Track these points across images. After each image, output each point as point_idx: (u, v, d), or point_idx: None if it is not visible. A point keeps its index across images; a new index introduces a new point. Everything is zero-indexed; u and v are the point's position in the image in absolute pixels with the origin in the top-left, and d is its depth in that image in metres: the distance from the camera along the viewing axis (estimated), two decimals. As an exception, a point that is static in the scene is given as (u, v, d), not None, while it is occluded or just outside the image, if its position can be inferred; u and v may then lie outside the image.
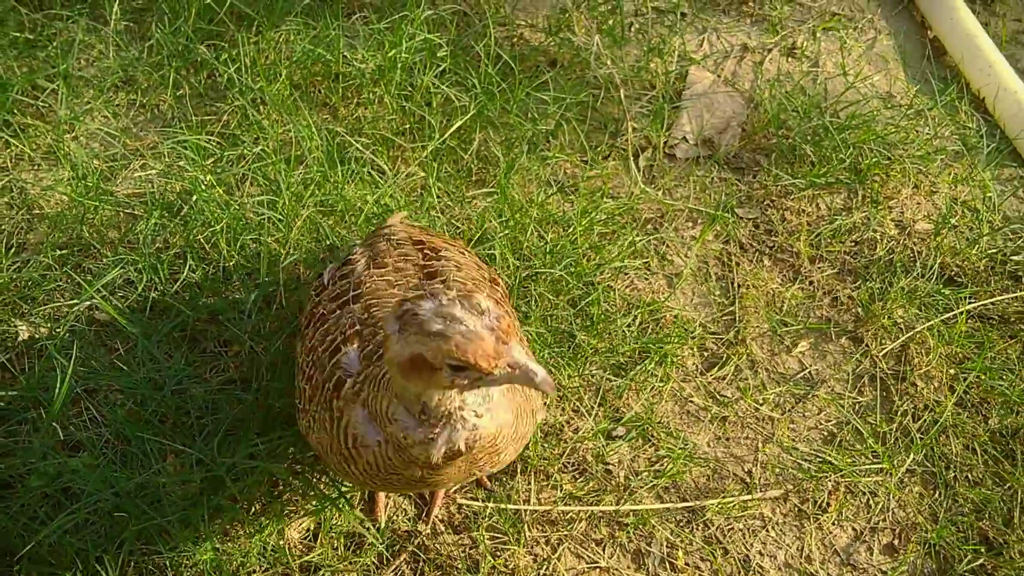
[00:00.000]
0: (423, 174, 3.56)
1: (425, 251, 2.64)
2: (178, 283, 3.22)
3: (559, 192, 3.61)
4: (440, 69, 3.75)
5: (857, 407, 3.23)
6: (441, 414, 2.02)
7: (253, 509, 2.83)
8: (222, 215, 3.29)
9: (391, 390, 2.06)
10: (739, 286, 3.47)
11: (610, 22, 4.09)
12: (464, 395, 2.00)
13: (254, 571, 2.79)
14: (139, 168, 3.59)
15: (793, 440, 3.16)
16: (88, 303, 3.18)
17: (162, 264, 3.25)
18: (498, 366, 1.84)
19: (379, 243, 2.72)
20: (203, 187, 3.33)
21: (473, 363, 1.82)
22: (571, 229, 3.46)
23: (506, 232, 3.37)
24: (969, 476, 3.10)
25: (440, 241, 2.73)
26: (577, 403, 3.18)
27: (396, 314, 1.90)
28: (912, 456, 3.11)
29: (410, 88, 3.74)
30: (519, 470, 3.01)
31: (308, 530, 2.86)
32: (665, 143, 3.82)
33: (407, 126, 3.68)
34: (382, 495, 2.88)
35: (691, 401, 3.23)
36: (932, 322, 3.33)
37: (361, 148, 3.53)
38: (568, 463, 3.07)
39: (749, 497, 3.03)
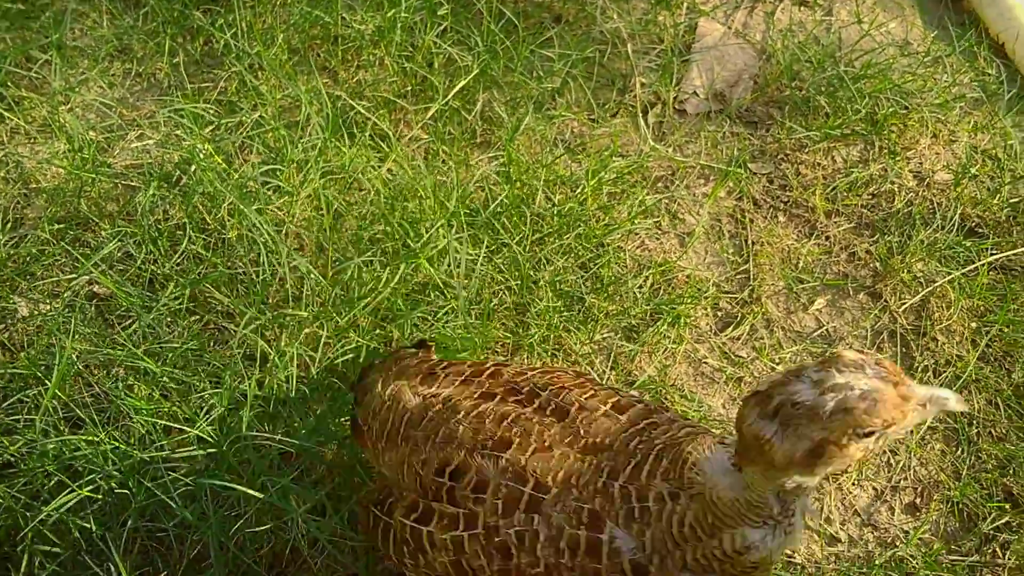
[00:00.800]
0: (426, 137, 3.47)
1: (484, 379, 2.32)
2: (178, 255, 3.15)
3: (567, 152, 3.52)
4: (441, 28, 3.64)
5: (877, 365, 3.14)
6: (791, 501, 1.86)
7: (259, 483, 2.77)
8: (223, 185, 3.21)
9: (730, 506, 1.86)
10: (753, 243, 3.38)
11: (615, -25, 3.98)
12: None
13: (261, 547, 2.74)
14: (136, 139, 3.52)
15: (811, 400, 3.07)
16: (87, 277, 3.12)
17: (162, 236, 3.18)
18: (908, 412, 1.68)
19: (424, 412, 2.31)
20: (201, 156, 3.26)
21: (889, 421, 1.65)
22: (580, 190, 3.36)
23: (513, 196, 3.28)
24: (992, 432, 3.02)
25: (465, 365, 2.43)
26: (589, 368, 3.11)
27: (766, 412, 1.71)
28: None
29: (411, 49, 3.64)
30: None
31: (319, 502, 2.81)
32: (675, 98, 3.71)
33: (409, 88, 3.58)
34: None
35: (705, 362, 3.16)
36: (953, 275, 3.23)
37: (364, 112, 3.44)
38: (580, 429, 2.99)
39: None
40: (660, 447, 1.97)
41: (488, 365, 2.35)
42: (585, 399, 2.14)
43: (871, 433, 1.65)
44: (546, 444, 2.06)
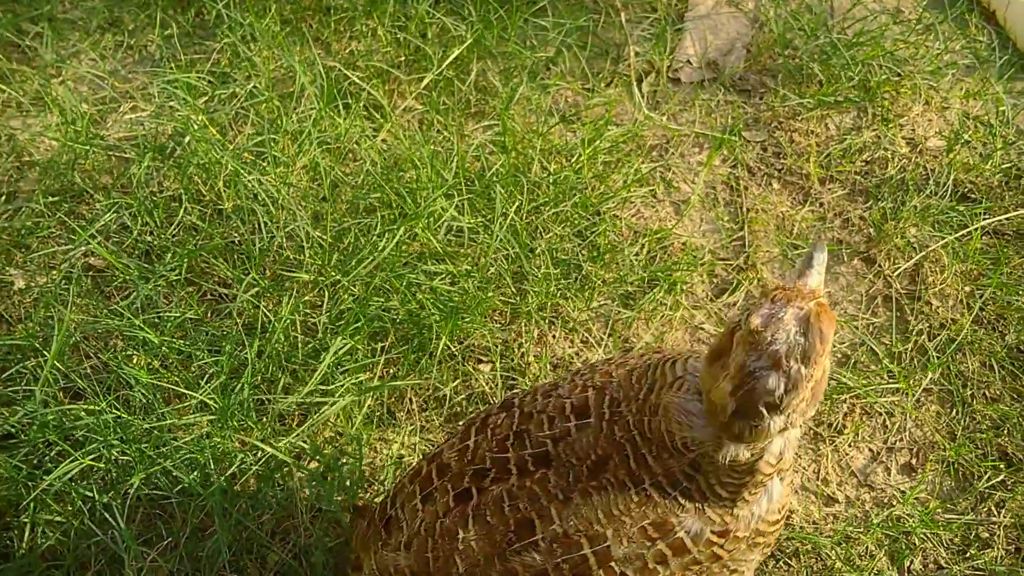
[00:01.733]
0: (421, 107, 3.47)
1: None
2: (173, 225, 3.15)
3: (561, 121, 3.52)
4: (435, -3, 3.64)
5: (871, 328, 3.17)
6: None
7: (260, 453, 2.77)
8: (217, 155, 3.20)
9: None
10: (748, 210, 3.39)
11: (607, -55, 3.97)
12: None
13: (263, 513, 2.75)
14: (129, 111, 3.51)
15: (807, 364, 3.10)
16: (83, 249, 3.11)
17: (157, 207, 3.17)
18: None
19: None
20: (195, 127, 3.25)
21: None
22: (575, 159, 3.37)
23: (509, 165, 3.28)
24: (987, 393, 3.05)
25: (406, 481, 2.22)
26: (586, 335, 3.12)
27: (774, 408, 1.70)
28: (928, 375, 3.05)
29: (404, 19, 3.63)
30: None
31: (316, 472, 2.82)
32: (668, 67, 3.71)
33: (402, 58, 3.58)
34: None
35: (702, 328, 3.17)
36: (946, 239, 3.26)
37: (358, 81, 3.43)
38: (579, 394, 3.01)
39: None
40: (635, 421, 1.90)
41: (424, 468, 2.15)
42: (547, 430, 1.99)
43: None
44: (559, 496, 1.92)
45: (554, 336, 3.12)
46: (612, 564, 1.87)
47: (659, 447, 1.85)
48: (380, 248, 2.95)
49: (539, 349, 3.10)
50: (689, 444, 1.82)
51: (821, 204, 3.42)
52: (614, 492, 1.88)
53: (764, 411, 1.67)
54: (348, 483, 2.81)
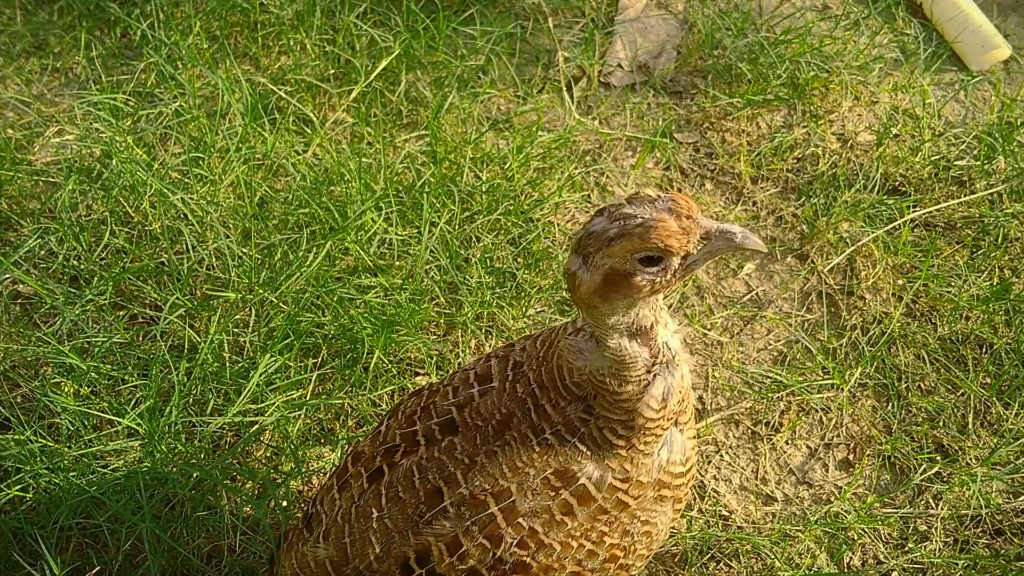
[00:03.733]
0: (351, 120, 3.45)
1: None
2: (101, 248, 3.11)
3: (493, 129, 3.51)
4: (361, 9, 3.62)
5: (806, 325, 3.18)
6: (646, 330, 1.85)
7: (193, 476, 2.74)
8: (144, 177, 3.16)
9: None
10: (682, 212, 3.39)
11: (536, -49, 3.97)
12: (658, 314, 1.85)
13: (197, 537, 2.72)
14: (55, 135, 3.46)
15: (743, 362, 3.11)
16: (9, 277, 3.07)
17: (84, 231, 3.13)
18: (690, 241, 1.69)
19: None
20: (121, 149, 3.21)
21: (663, 247, 1.67)
22: (507, 166, 3.36)
23: (440, 175, 3.27)
24: (921, 385, 3.06)
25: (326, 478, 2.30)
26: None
27: (575, 249, 1.75)
28: (863, 369, 3.06)
29: (332, 32, 3.61)
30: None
31: (250, 493, 2.79)
32: (599, 72, 3.72)
33: (331, 71, 3.56)
34: None
35: (638, 331, 3.17)
36: (877, 232, 3.27)
37: (285, 96, 3.41)
38: (515, 403, 2.99)
39: (702, 424, 2.98)
40: (535, 375, 1.95)
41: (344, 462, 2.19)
42: (452, 398, 2.04)
43: (652, 260, 1.68)
44: (466, 461, 1.96)
45: (491, 345, 3.11)
46: (520, 520, 1.90)
47: (556, 394, 1.90)
48: (308, 263, 2.92)
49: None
50: (580, 375, 1.85)
51: (754, 203, 3.43)
52: (518, 446, 1.92)
53: (587, 244, 1.71)
54: (284, 503, 2.79)
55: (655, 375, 1.86)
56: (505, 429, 1.95)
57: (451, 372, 2.12)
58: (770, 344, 3.14)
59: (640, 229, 1.66)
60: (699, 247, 1.71)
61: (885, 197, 3.37)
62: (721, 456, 2.95)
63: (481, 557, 1.92)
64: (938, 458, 2.93)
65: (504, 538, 1.90)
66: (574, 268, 1.74)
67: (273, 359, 2.83)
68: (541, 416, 1.92)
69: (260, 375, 2.78)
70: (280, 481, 2.78)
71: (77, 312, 2.96)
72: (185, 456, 2.75)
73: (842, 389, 3.02)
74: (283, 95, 3.39)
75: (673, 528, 2.68)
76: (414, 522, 1.96)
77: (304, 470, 2.82)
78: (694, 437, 2.04)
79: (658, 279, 1.72)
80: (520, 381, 1.96)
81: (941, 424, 2.99)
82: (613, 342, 1.82)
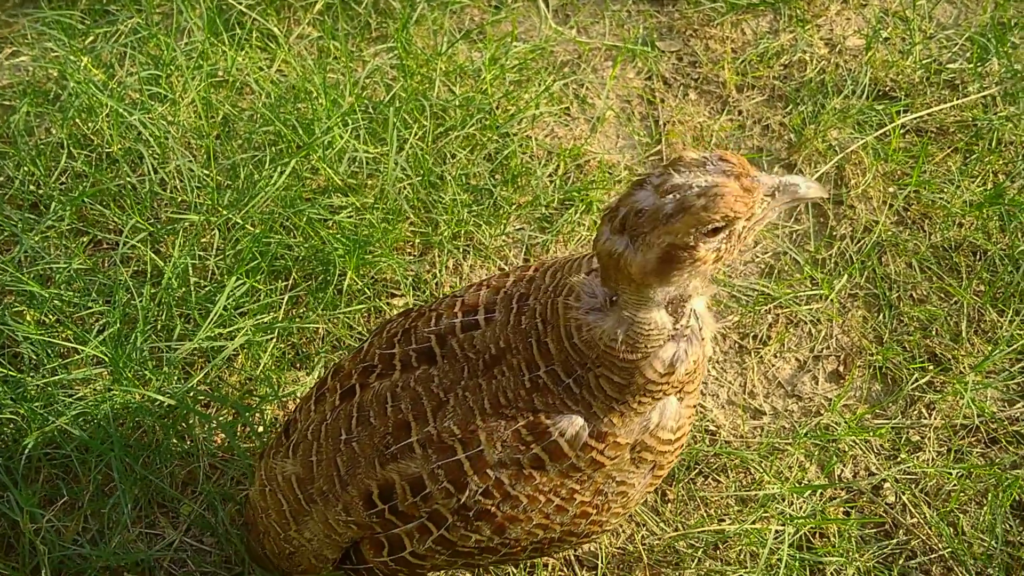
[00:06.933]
0: (317, 34, 3.30)
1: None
2: (58, 173, 2.98)
3: (465, 40, 3.37)
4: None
5: (794, 236, 3.08)
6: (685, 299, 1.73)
7: (161, 401, 2.64)
8: (102, 98, 3.02)
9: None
10: (664, 123, 3.27)
11: None
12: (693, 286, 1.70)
13: (170, 465, 2.64)
14: (10, 56, 3.30)
15: (729, 276, 3.01)
16: (-35, 204, 2.95)
17: (41, 156, 3.00)
18: (755, 202, 1.57)
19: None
20: (76, 69, 3.06)
21: (732, 215, 1.53)
22: (481, 79, 3.23)
23: (411, 90, 3.13)
24: (913, 295, 2.98)
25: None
26: (502, 262, 3.01)
27: (615, 227, 1.59)
28: (854, 279, 2.97)
29: (295, -58, 3.45)
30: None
31: (224, 419, 2.70)
32: (577, -21, 3.56)
33: (296, -16, 3.40)
34: None
35: (621, 247, 3.07)
36: (866, 139, 3.16)
37: (246, 10, 3.25)
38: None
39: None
40: (541, 309, 1.82)
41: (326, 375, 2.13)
42: (433, 326, 1.94)
43: (717, 230, 1.55)
44: (441, 396, 1.87)
45: (469, 265, 3.01)
46: (488, 471, 1.82)
47: (560, 334, 1.77)
48: (273, 182, 2.80)
49: (455, 279, 2.99)
50: (589, 332, 1.73)
51: (740, 112, 3.31)
52: (506, 379, 1.82)
53: (637, 224, 1.57)
54: (260, 429, 2.70)
55: (669, 339, 1.73)
56: (496, 363, 1.84)
57: (443, 295, 2.00)
58: (757, 256, 3.05)
59: (703, 200, 1.51)
60: (762, 205, 1.60)
61: (875, 103, 3.25)
62: (709, 371, 2.86)
63: (444, 501, 1.85)
64: (931, 367, 2.85)
65: (469, 485, 1.83)
66: (620, 248, 1.59)
67: (241, 282, 2.73)
68: (541, 352, 1.79)
69: (227, 298, 2.68)
70: (254, 406, 2.70)
71: (37, 239, 2.84)
72: (154, 385, 2.66)
73: (831, 300, 2.93)
74: (244, 9, 3.24)
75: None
76: (380, 451, 1.89)
77: (280, 393, 2.73)
78: (693, 407, 1.92)
79: (723, 247, 1.59)
80: (526, 313, 1.84)
81: (934, 333, 2.91)
82: (645, 314, 1.68)
